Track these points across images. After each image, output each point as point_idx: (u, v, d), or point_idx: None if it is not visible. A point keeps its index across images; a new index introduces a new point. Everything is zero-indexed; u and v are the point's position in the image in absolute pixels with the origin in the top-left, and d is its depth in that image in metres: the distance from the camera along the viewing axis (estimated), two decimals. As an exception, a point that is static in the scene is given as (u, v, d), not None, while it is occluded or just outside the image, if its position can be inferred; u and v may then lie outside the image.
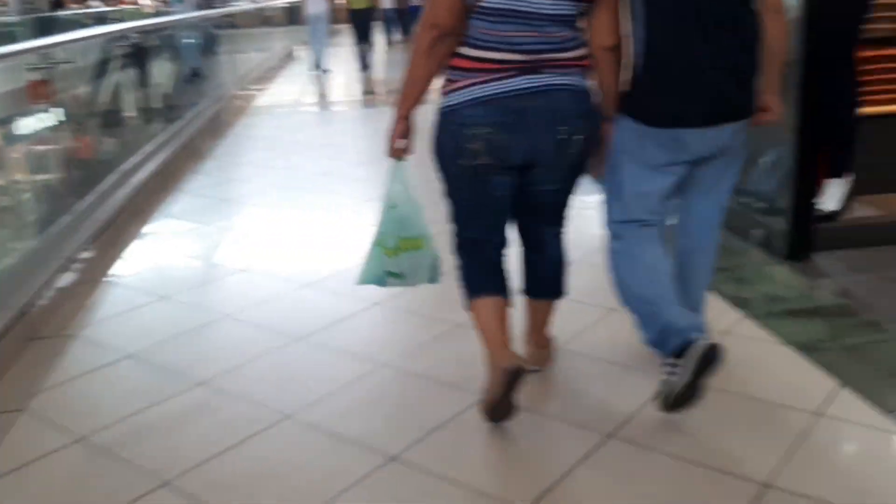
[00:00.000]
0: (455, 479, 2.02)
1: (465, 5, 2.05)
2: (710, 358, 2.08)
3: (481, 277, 2.31)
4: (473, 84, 2.09)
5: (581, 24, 2.16)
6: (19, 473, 2.15)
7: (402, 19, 20.35)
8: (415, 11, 19.29)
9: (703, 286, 2.52)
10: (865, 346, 2.61)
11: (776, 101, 2.26)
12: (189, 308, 3.28)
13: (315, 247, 4.02)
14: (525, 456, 2.15)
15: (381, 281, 2.46)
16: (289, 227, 4.40)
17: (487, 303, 2.27)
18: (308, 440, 2.25)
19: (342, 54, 14.07)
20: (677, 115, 2.17)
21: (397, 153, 2.27)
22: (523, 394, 2.43)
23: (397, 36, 19.60)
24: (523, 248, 2.46)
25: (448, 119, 2.14)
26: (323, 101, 10.36)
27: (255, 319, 3.09)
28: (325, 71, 12.93)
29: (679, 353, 2.11)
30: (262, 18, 17.82)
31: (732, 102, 2.19)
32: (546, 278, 2.46)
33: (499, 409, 2.22)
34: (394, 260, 2.38)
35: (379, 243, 2.39)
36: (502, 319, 2.27)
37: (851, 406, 2.25)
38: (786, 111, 3.39)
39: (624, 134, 2.25)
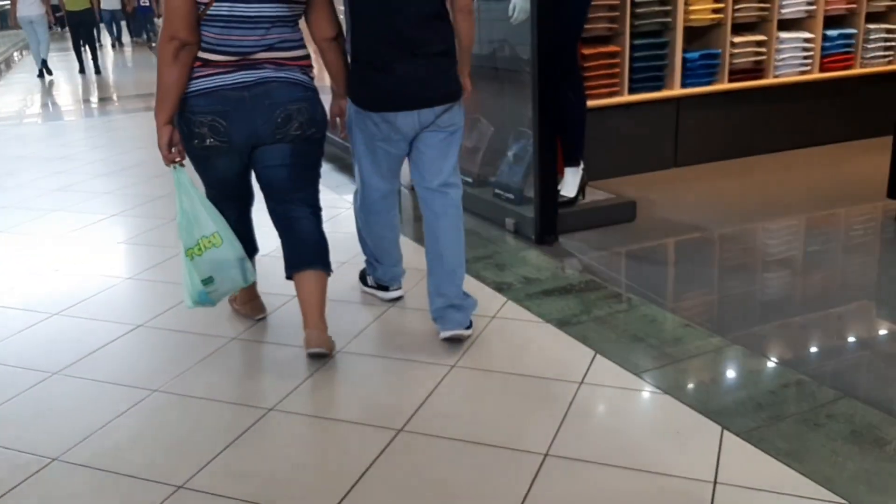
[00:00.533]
0: (250, 498, 1.97)
1: (198, 14, 2.33)
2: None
3: None
4: (199, 77, 2.41)
5: (301, 24, 2.53)
6: None
7: (130, 21, 19.13)
8: (144, 12, 18.26)
9: (459, 259, 2.71)
10: (612, 316, 2.90)
11: (468, 82, 2.73)
12: (-85, 354, 2.88)
13: (62, 270, 3.70)
14: (320, 464, 2.15)
15: (205, 297, 2.57)
16: (26, 251, 4.01)
17: None
18: (82, 482, 2.08)
19: (71, 59, 12.96)
20: (379, 101, 2.57)
21: (172, 160, 2.48)
22: (312, 403, 2.43)
23: (125, 38, 18.39)
24: (280, 236, 2.68)
25: (182, 109, 2.44)
26: (51, 109, 9.50)
27: (1, 357, 2.80)
28: (49, 77, 11.92)
29: (378, 286, 3.09)
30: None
31: (427, 91, 2.55)
32: (303, 248, 2.64)
33: None
34: (200, 261, 2.51)
35: (186, 251, 2.53)
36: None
37: (607, 371, 2.50)
38: (525, 108, 3.69)
39: (352, 113, 2.68)
